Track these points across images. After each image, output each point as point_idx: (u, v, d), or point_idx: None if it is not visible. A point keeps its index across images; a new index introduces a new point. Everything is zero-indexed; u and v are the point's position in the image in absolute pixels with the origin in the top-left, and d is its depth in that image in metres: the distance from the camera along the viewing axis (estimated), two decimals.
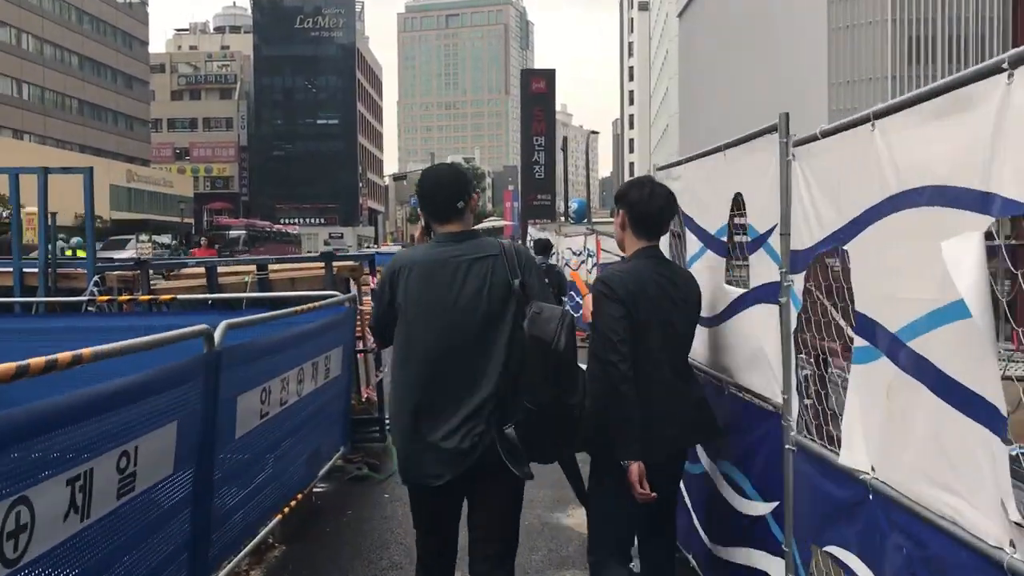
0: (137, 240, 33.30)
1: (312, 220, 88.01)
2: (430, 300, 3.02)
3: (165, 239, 40.78)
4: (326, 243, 67.71)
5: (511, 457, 2.93)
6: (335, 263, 6.41)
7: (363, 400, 6.66)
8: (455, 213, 3.14)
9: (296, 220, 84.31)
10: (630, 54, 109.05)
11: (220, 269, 6.79)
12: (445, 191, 3.15)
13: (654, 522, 3.46)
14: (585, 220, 34.80)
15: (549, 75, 34.73)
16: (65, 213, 42.00)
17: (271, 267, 6.81)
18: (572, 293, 13.86)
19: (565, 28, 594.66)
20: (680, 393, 3.28)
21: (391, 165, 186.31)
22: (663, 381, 3.22)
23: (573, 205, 44.80)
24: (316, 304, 4.82)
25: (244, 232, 50.47)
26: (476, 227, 3.98)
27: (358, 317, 5.76)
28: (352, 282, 6.91)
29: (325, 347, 4.93)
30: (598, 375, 3.14)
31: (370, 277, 6.70)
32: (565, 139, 36.79)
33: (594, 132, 38.78)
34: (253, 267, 6.85)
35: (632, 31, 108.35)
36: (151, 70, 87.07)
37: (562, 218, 38.31)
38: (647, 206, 3.34)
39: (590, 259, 14.01)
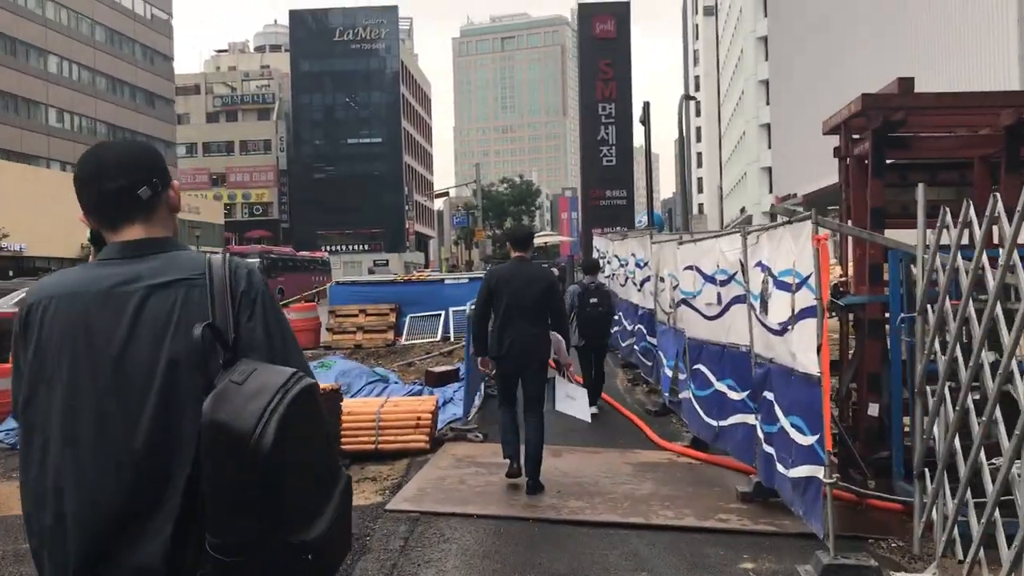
0: None
1: (356, 247, 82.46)
2: (74, 361, 1.66)
3: None
4: (370, 271, 61.52)
5: None
6: None
7: None
8: (136, 208, 1.75)
9: (340, 247, 78.71)
10: (695, 63, 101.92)
11: None
12: (117, 171, 1.73)
13: (512, 394, 6.61)
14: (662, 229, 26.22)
15: (621, 10, 21.23)
16: (71, 243, 35.43)
17: None
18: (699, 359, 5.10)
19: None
20: (524, 329, 6.35)
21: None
22: (511, 320, 6.31)
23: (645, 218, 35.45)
24: None
25: (259, 260, 43.43)
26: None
27: None
28: None
29: None
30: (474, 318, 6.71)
31: None
32: (647, 104, 23.65)
33: (690, 97, 27.96)
34: None
35: (697, 38, 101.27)
36: (185, 91, 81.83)
37: (641, 224, 28.04)
38: (515, 233, 6.85)
39: (790, 285, 5.20)
